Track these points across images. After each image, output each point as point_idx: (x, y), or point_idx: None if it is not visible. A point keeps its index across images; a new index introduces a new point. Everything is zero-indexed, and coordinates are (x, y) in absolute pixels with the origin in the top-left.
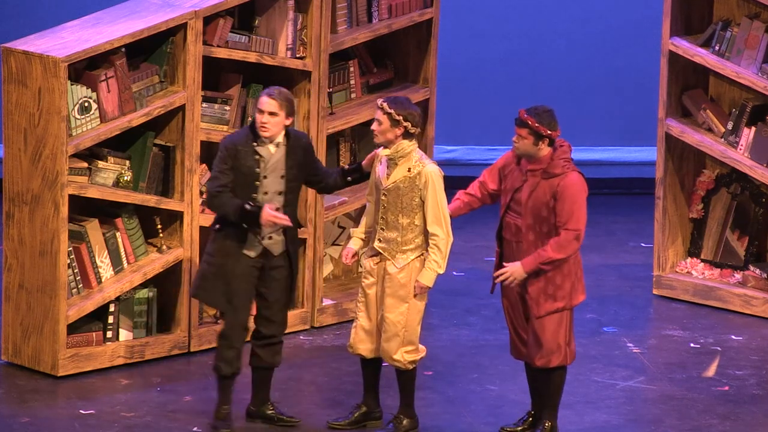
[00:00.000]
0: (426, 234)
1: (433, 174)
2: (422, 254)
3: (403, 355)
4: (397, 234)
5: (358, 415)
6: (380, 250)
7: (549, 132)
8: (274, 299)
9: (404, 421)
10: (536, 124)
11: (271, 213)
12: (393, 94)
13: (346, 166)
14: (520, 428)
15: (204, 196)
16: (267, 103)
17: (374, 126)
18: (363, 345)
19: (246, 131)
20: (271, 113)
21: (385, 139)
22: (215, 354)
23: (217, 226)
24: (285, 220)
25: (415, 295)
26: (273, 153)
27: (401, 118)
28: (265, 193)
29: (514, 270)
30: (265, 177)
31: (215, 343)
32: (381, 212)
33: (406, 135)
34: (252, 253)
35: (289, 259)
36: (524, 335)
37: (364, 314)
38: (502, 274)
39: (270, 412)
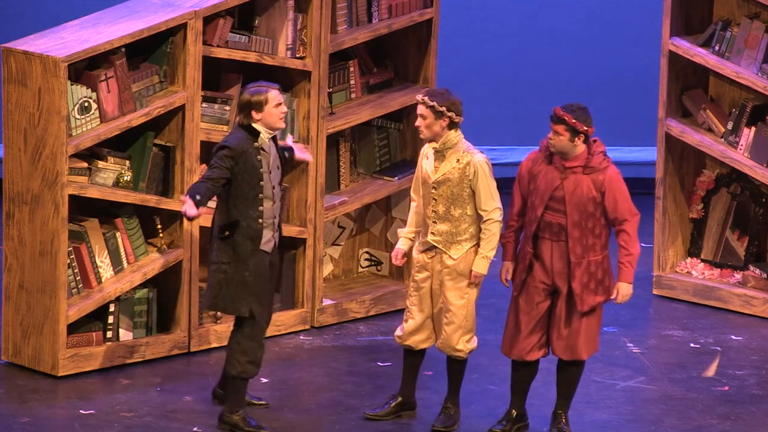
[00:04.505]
0: (478, 222)
1: (481, 163)
2: (477, 243)
3: (464, 344)
4: (450, 226)
5: (394, 405)
6: (435, 244)
7: (585, 128)
8: (271, 290)
9: (453, 410)
10: (573, 120)
11: (187, 210)
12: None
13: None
14: (508, 427)
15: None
16: (280, 96)
17: (418, 122)
18: (414, 337)
19: (242, 133)
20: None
21: (432, 133)
22: (237, 357)
23: (227, 233)
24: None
25: (470, 284)
26: (270, 146)
27: (444, 108)
28: (273, 187)
29: (625, 291)
30: (270, 172)
31: (233, 346)
32: (432, 206)
33: (452, 125)
34: (268, 249)
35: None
36: (538, 335)
37: (417, 308)
38: (620, 301)
39: None
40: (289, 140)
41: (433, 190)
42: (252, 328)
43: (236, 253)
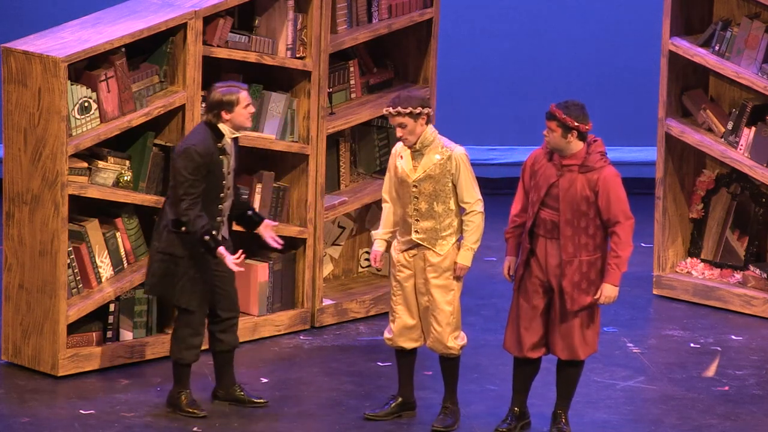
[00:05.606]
0: (459, 216)
1: (462, 156)
2: (458, 237)
3: (454, 341)
4: (434, 222)
5: (394, 405)
6: (420, 242)
7: (576, 124)
8: (229, 279)
9: (452, 410)
10: (563, 116)
11: (233, 262)
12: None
13: (254, 209)
14: (513, 425)
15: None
16: (250, 97)
17: (399, 132)
18: (404, 338)
19: (206, 133)
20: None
21: (416, 137)
22: (174, 345)
23: (183, 228)
24: (239, 268)
25: (456, 277)
26: (231, 148)
27: (420, 108)
28: (228, 188)
29: (608, 293)
30: (229, 173)
31: (172, 333)
32: (413, 204)
33: (428, 121)
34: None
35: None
36: (537, 332)
37: (403, 307)
38: (603, 302)
39: (240, 394)
40: (268, 222)
41: (414, 189)
42: (191, 317)
43: (192, 248)
